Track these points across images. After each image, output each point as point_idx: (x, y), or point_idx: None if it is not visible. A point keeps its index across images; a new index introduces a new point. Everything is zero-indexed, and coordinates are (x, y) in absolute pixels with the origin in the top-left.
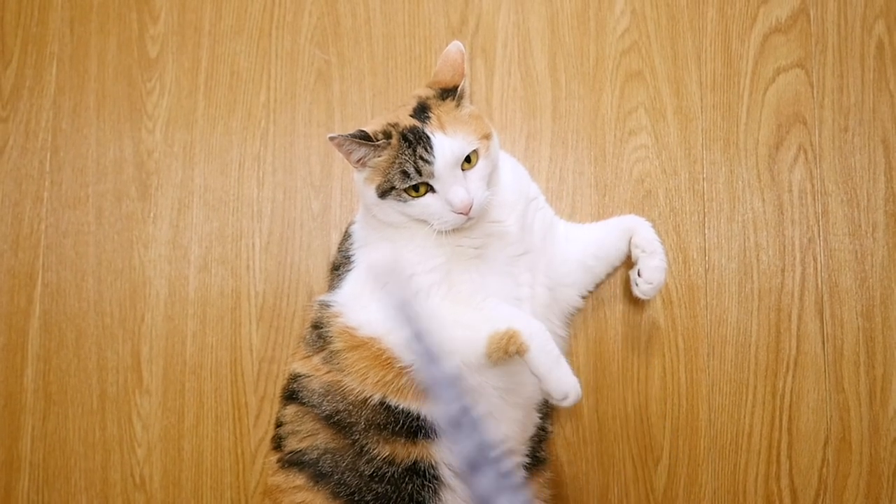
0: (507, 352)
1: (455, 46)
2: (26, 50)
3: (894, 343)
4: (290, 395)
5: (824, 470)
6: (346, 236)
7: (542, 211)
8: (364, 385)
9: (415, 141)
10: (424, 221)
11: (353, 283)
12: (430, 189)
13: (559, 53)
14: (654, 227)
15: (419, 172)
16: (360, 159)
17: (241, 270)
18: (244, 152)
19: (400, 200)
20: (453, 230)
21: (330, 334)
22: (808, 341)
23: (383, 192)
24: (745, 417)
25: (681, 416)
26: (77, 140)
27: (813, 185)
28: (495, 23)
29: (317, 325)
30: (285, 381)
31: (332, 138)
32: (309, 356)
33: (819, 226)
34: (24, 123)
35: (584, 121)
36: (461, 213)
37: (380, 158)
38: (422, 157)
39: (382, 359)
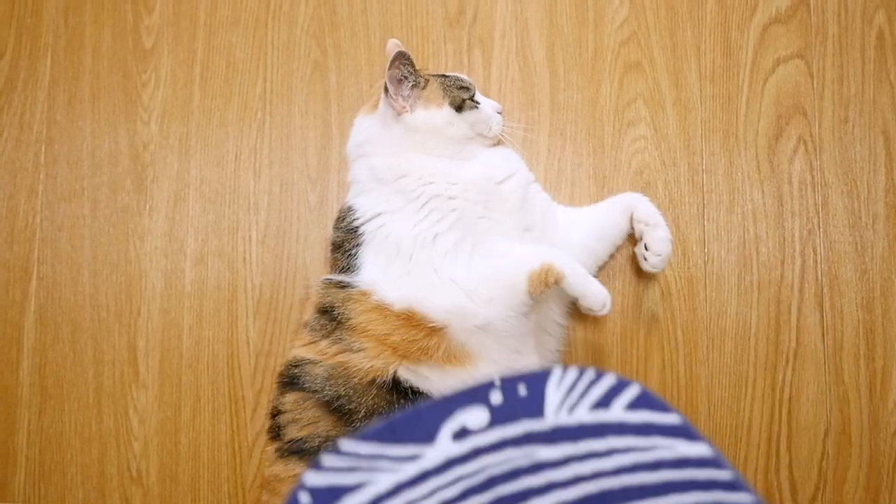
0: (546, 284)
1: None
2: (20, 41)
3: (894, 335)
4: (290, 382)
5: (824, 463)
6: (348, 210)
7: (541, 194)
8: (377, 359)
9: (445, 75)
10: (480, 135)
11: (374, 260)
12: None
13: (557, 44)
14: (651, 200)
15: (471, 85)
16: (406, 96)
17: (238, 263)
18: (240, 144)
19: (474, 108)
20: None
21: (347, 314)
22: (807, 333)
23: (459, 106)
24: (744, 410)
25: (680, 409)
26: (72, 132)
27: (813, 177)
28: (493, 13)
29: (326, 310)
30: (283, 368)
31: (399, 54)
32: (315, 341)
33: (819, 217)
34: (19, 115)
35: (583, 112)
36: (500, 113)
37: (425, 91)
38: (462, 78)
39: (413, 321)
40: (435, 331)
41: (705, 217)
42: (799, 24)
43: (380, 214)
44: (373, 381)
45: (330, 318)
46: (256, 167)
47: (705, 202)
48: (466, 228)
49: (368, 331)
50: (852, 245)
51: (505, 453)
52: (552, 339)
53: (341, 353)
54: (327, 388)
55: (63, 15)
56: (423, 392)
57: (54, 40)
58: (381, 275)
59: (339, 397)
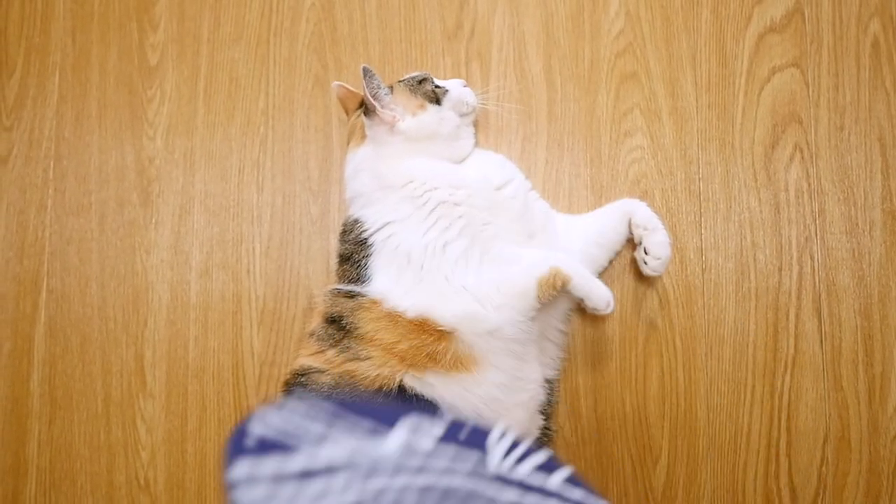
0: (555, 287)
1: (335, 84)
2: (29, 60)
3: (892, 341)
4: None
5: (823, 468)
6: (354, 223)
7: (540, 202)
8: (384, 367)
9: (401, 80)
10: (463, 115)
11: (385, 269)
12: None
13: (554, 56)
14: (649, 205)
15: (427, 75)
16: (389, 103)
17: (242, 275)
18: (244, 158)
19: (446, 92)
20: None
21: (356, 323)
22: (806, 340)
23: (436, 100)
24: (743, 416)
25: (679, 416)
26: (80, 148)
27: (809, 184)
28: (490, 27)
29: (334, 319)
30: (289, 377)
31: (364, 70)
32: (322, 350)
33: (816, 224)
34: (28, 132)
35: (580, 123)
36: (465, 87)
37: (394, 95)
38: (414, 75)
39: (425, 327)
40: (444, 335)
41: (703, 225)
42: (794, 32)
43: (388, 224)
44: (379, 389)
45: (338, 327)
46: (259, 180)
47: (702, 210)
48: (474, 235)
49: (377, 339)
50: (849, 252)
51: (459, 476)
52: (554, 346)
53: (348, 361)
54: (334, 396)
55: (70, 34)
56: (427, 399)
57: (62, 59)
58: (392, 284)
59: None
